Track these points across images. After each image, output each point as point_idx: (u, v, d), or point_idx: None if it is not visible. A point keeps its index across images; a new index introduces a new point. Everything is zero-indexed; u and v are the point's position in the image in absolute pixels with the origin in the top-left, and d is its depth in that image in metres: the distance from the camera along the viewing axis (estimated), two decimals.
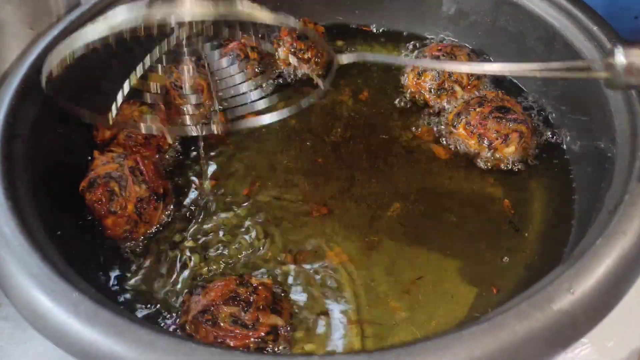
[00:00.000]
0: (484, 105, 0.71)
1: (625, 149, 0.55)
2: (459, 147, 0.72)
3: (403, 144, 0.74)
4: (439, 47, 0.79)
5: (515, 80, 0.81)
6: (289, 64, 0.83)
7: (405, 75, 0.82)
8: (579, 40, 0.68)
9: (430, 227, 0.65)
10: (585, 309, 0.43)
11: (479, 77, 0.78)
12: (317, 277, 0.61)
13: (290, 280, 0.61)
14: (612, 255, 0.46)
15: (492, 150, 0.70)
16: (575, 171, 0.69)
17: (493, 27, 0.81)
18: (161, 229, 0.66)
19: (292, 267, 0.62)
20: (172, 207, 0.67)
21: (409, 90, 0.80)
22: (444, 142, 0.74)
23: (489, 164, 0.71)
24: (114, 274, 0.63)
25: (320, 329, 0.57)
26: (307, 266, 0.62)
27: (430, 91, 0.77)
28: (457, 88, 0.77)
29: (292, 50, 0.82)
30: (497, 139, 0.69)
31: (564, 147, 0.72)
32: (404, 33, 0.90)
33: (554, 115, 0.75)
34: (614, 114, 0.59)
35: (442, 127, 0.75)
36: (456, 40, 0.85)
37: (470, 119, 0.71)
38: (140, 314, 0.59)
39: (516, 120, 0.69)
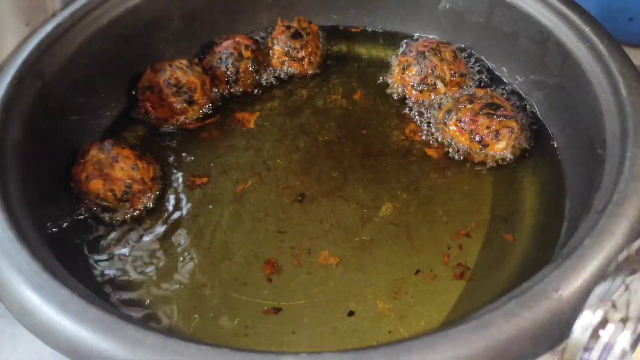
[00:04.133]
0: (474, 102, 0.71)
1: (615, 149, 0.55)
2: (450, 144, 0.72)
3: (395, 143, 0.74)
4: (425, 44, 0.79)
5: (504, 79, 0.81)
6: (283, 62, 0.83)
7: (391, 69, 0.82)
8: (571, 41, 0.68)
9: (422, 226, 0.65)
10: (573, 309, 0.44)
11: (462, 75, 0.78)
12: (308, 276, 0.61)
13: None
14: (600, 255, 0.46)
15: (483, 147, 0.70)
16: (566, 170, 0.69)
17: (487, 27, 0.81)
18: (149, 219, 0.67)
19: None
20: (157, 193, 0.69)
21: (395, 86, 0.80)
22: (435, 140, 0.74)
23: (480, 161, 0.71)
24: (103, 270, 0.63)
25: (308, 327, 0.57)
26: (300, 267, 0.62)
27: (413, 86, 0.78)
28: (440, 84, 0.77)
29: (286, 49, 0.82)
30: (488, 135, 0.69)
31: (555, 145, 0.72)
32: (399, 32, 0.90)
33: (544, 114, 0.75)
34: (605, 114, 0.59)
35: (432, 124, 0.75)
36: (449, 39, 0.85)
37: (461, 116, 0.71)
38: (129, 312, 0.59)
39: (506, 117, 0.70)
